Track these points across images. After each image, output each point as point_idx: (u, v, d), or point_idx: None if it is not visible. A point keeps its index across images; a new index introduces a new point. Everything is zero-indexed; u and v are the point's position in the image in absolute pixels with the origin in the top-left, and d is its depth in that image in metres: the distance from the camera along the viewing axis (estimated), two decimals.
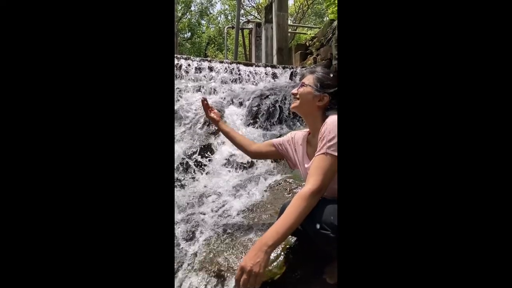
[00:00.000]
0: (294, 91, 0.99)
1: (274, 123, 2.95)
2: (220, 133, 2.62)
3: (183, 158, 2.09)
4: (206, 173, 2.03)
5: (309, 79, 0.97)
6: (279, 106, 3.04)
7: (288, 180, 1.51)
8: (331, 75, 0.97)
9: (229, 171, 2.05)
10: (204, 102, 1.21)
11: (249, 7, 12.83)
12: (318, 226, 0.79)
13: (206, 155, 2.16)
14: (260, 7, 11.79)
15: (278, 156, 1.16)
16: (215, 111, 1.23)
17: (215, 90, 3.74)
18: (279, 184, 1.50)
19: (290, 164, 1.11)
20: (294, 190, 1.41)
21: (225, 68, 4.03)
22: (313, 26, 10.92)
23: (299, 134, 1.08)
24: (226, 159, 2.14)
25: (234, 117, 2.97)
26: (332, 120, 0.85)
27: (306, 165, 0.98)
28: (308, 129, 1.05)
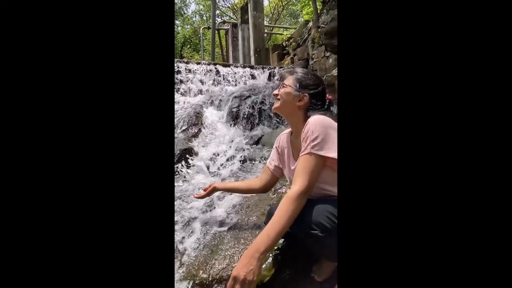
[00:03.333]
0: (275, 92, 1.00)
1: (255, 123, 2.95)
2: (200, 135, 2.58)
3: None
4: (188, 177, 1.98)
5: (288, 80, 0.98)
6: (259, 106, 3.05)
7: None
8: (310, 75, 0.98)
9: (211, 174, 2.02)
10: (196, 196, 1.20)
11: (224, 7, 12.76)
12: (307, 227, 0.79)
13: (188, 158, 2.12)
14: (235, 7, 11.76)
15: (278, 176, 1.12)
16: (207, 187, 1.19)
17: (193, 91, 3.67)
18: None
19: (283, 174, 1.10)
20: (279, 190, 1.41)
21: (203, 69, 3.98)
22: (288, 26, 11.08)
23: (283, 137, 1.08)
24: (208, 162, 2.11)
25: (214, 118, 2.94)
26: (314, 119, 0.86)
27: (292, 167, 0.98)
28: (290, 129, 1.06)
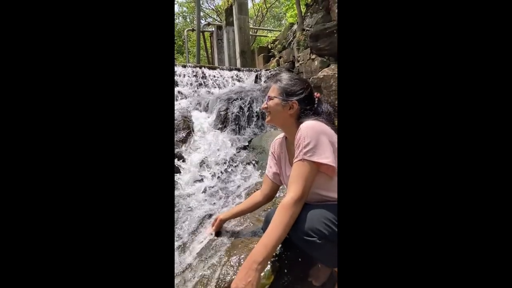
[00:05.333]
0: (264, 105, 0.98)
1: (244, 126, 2.93)
2: (190, 140, 2.54)
3: None
4: (179, 183, 1.94)
5: (274, 91, 0.96)
6: (247, 109, 3.04)
7: None
8: (294, 81, 0.97)
9: (202, 179, 1.99)
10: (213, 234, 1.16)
11: (208, 9, 12.68)
12: (304, 233, 0.79)
13: (176, 164, 2.07)
14: (219, 9, 11.71)
15: (278, 184, 1.10)
16: (213, 222, 1.16)
17: (180, 94, 3.61)
18: (256, 190, 1.48)
19: (282, 182, 1.08)
20: None
21: (190, 72, 3.92)
22: (272, 29, 11.17)
23: (278, 142, 1.07)
24: (198, 167, 2.07)
25: (203, 122, 2.90)
26: (305, 126, 0.86)
27: (288, 173, 0.97)
28: (281, 134, 1.06)
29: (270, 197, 1.12)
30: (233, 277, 0.89)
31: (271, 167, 1.09)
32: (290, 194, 0.81)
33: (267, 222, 0.96)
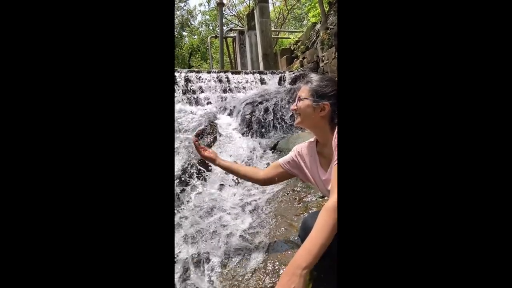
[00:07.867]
0: (293, 107, 0.94)
1: (269, 130, 2.91)
2: (216, 144, 2.56)
3: (180, 174, 2.01)
4: (205, 188, 1.95)
5: (304, 92, 0.92)
6: (272, 112, 3.01)
7: (295, 189, 1.46)
8: (326, 82, 0.92)
9: (229, 185, 1.98)
10: (196, 142, 1.10)
11: (230, 15, 12.94)
12: None
13: (204, 169, 2.09)
14: (241, 15, 11.90)
15: (288, 176, 1.08)
16: (209, 150, 1.13)
17: (206, 100, 3.68)
18: (287, 193, 1.44)
19: (302, 178, 1.05)
20: (304, 199, 1.36)
21: (214, 78, 3.99)
22: (294, 30, 11.10)
23: (304, 146, 1.03)
24: (225, 173, 2.07)
25: (228, 126, 2.92)
26: None
27: (323, 178, 0.93)
28: (311, 139, 1.01)
29: (268, 181, 1.10)
30: (268, 283, 0.85)
31: (288, 162, 1.05)
32: (333, 197, 0.76)
33: (304, 229, 0.91)
